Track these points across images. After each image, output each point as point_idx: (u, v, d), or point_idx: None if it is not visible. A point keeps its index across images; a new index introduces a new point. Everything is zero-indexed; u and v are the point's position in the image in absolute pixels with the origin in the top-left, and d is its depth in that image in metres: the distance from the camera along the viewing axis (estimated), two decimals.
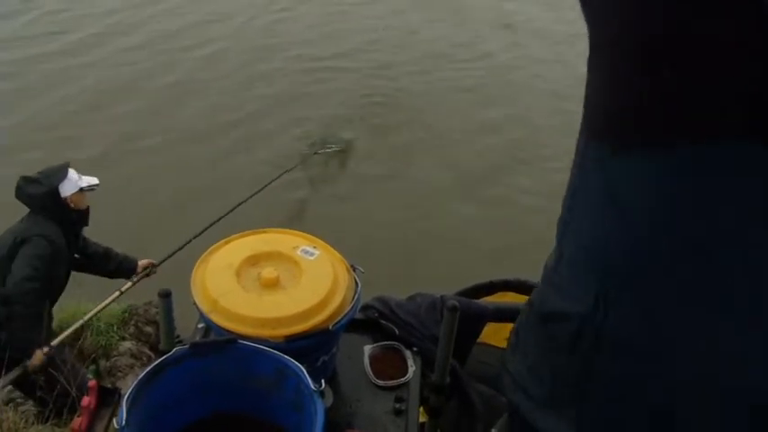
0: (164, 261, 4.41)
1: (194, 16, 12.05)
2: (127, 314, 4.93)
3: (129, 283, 4.25)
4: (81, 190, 3.89)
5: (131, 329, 4.84)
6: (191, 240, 4.45)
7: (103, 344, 4.65)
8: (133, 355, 4.59)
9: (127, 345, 4.67)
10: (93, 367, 4.36)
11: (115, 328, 4.76)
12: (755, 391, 1.04)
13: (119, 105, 9.03)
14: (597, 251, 1.12)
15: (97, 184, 3.98)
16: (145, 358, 4.59)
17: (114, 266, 4.24)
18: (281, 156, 7.69)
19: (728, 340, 1.03)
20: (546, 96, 9.99)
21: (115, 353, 4.59)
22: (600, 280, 1.12)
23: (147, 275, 4.32)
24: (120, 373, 4.43)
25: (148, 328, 4.88)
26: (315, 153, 7.83)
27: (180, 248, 4.44)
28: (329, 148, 8.03)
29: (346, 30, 12.03)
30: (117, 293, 4.19)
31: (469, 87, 10.29)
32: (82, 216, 3.98)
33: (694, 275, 1.02)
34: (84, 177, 3.94)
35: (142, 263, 4.31)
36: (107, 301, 4.17)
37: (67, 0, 12.36)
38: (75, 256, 4.02)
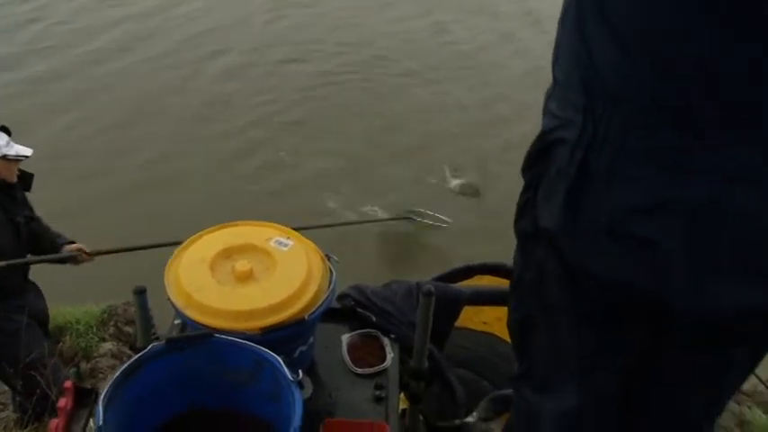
0: (100, 254, 4.11)
1: (197, 26, 11.74)
2: (106, 315, 4.89)
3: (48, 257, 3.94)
4: (4, 157, 3.65)
5: (111, 330, 4.81)
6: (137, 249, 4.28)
7: (83, 346, 4.61)
8: (114, 356, 4.56)
9: (107, 346, 4.63)
10: (74, 370, 4.32)
11: (95, 329, 4.72)
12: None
13: (135, 124, 8.73)
14: (585, 66, 1.19)
15: (27, 156, 3.71)
16: (126, 358, 4.53)
17: (49, 244, 3.97)
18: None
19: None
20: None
21: (96, 354, 4.55)
22: (588, 95, 1.19)
23: (76, 261, 4.00)
24: (101, 375, 4.39)
25: (128, 328, 4.84)
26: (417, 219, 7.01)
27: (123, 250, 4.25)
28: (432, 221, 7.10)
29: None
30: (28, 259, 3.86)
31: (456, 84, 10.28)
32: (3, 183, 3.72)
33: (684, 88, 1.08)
34: (15, 146, 3.69)
35: (71, 246, 4.01)
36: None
37: (70, 12, 12.04)
38: (20, 219, 3.77)
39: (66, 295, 4.83)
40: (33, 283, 3.98)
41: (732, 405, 4.50)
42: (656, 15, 1.07)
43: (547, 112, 1.34)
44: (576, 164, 1.22)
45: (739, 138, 1.07)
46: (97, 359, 4.49)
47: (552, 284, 1.39)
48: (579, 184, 1.22)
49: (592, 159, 1.20)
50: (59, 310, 4.73)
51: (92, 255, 4.07)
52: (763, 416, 4.47)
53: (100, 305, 4.95)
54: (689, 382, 1.44)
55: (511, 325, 1.62)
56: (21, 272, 3.79)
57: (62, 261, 4.01)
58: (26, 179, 3.84)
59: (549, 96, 1.34)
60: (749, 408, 4.56)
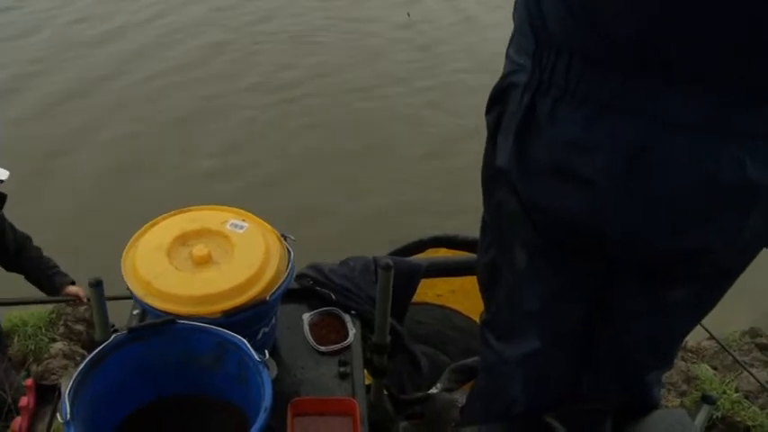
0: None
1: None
2: (54, 315, 4.78)
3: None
4: None
5: (61, 330, 4.70)
6: None
7: (33, 348, 4.50)
8: (66, 356, 4.46)
9: (58, 346, 4.52)
10: (24, 373, 4.24)
11: (43, 330, 4.61)
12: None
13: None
14: (534, 15, 1.30)
15: (1, 180, 3.49)
16: (78, 357, 4.45)
17: (38, 275, 3.89)
18: None
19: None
20: None
21: (46, 355, 4.45)
22: (537, 42, 1.30)
23: (73, 303, 4.01)
24: (53, 376, 4.30)
25: (79, 327, 4.75)
26: None
27: None
28: None
29: None
30: None
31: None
32: None
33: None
34: None
35: (73, 289, 3.92)
36: None
37: None
38: None
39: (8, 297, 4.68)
40: None
41: (679, 363, 4.65)
42: None
43: (507, 56, 1.42)
44: (524, 106, 1.32)
45: (659, 83, 1.18)
46: (48, 360, 4.38)
47: (510, 223, 1.49)
48: (527, 126, 1.33)
49: (538, 102, 1.30)
50: (5, 314, 4.60)
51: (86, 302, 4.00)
52: (710, 369, 4.63)
53: (47, 305, 4.82)
54: (638, 318, 1.55)
55: (479, 272, 1.75)
56: None
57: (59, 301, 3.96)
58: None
59: (510, 42, 1.43)
60: (695, 364, 4.71)
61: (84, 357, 4.40)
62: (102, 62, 9.86)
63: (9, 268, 3.92)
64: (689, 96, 1.17)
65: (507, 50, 1.43)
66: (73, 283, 3.99)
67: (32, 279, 3.95)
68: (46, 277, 3.92)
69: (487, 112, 1.47)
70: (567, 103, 1.26)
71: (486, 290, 1.74)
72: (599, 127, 1.23)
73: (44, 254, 3.96)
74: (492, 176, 1.49)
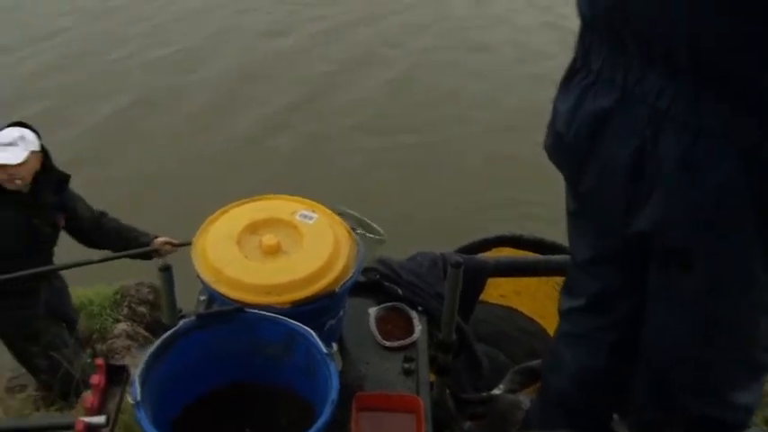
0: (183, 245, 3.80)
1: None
2: (119, 296, 4.85)
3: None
4: None
5: (125, 311, 4.77)
6: None
7: (98, 327, 4.59)
8: (129, 336, 4.53)
9: (122, 326, 4.59)
10: (90, 351, 4.33)
11: (108, 310, 4.69)
12: None
13: None
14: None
15: (10, 164, 3.30)
16: (141, 338, 4.52)
17: (121, 240, 3.82)
18: None
19: None
20: None
21: (111, 335, 4.53)
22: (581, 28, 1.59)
23: (160, 254, 3.83)
24: (117, 356, 4.37)
25: (142, 308, 4.82)
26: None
27: None
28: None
29: None
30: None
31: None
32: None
33: None
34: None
35: (160, 240, 3.88)
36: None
37: None
38: (35, 221, 3.52)
39: (75, 276, 4.74)
40: (52, 286, 3.90)
41: None
42: None
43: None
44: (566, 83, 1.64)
45: (628, 61, 1.45)
46: (113, 340, 4.46)
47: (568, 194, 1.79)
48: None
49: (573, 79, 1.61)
50: (71, 290, 4.68)
51: (176, 245, 3.96)
52: None
53: (112, 285, 4.89)
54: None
55: None
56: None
57: (147, 256, 3.95)
58: (55, 182, 3.67)
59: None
60: None
61: (146, 338, 4.49)
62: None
63: (90, 245, 3.94)
64: (643, 74, 1.41)
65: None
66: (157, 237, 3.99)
67: (118, 250, 3.94)
68: (131, 240, 3.90)
69: None
70: (578, 78, 1.58)
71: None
72: (589, 94, 1.54)
73: (122, 222, 3.98)
74: None
